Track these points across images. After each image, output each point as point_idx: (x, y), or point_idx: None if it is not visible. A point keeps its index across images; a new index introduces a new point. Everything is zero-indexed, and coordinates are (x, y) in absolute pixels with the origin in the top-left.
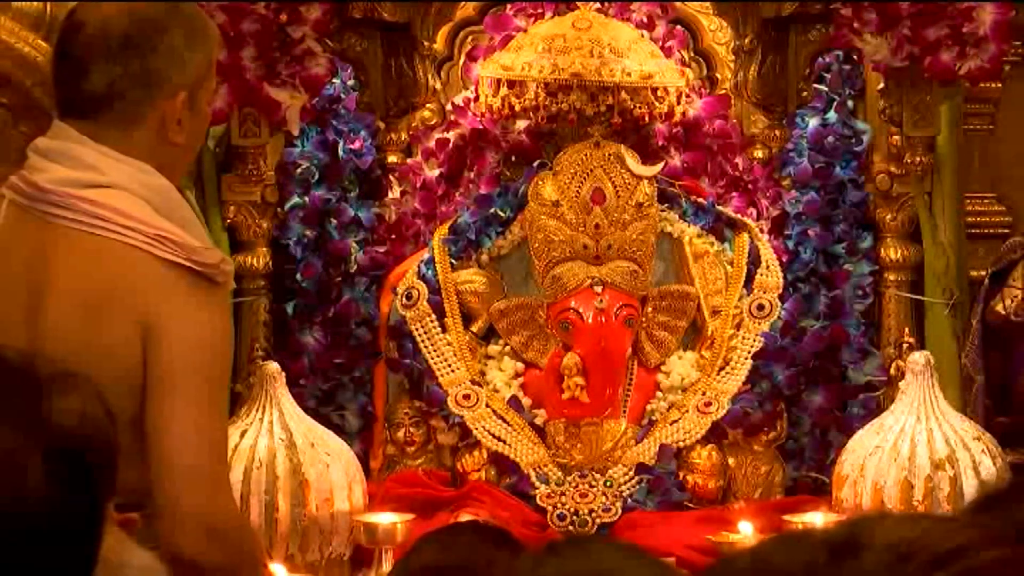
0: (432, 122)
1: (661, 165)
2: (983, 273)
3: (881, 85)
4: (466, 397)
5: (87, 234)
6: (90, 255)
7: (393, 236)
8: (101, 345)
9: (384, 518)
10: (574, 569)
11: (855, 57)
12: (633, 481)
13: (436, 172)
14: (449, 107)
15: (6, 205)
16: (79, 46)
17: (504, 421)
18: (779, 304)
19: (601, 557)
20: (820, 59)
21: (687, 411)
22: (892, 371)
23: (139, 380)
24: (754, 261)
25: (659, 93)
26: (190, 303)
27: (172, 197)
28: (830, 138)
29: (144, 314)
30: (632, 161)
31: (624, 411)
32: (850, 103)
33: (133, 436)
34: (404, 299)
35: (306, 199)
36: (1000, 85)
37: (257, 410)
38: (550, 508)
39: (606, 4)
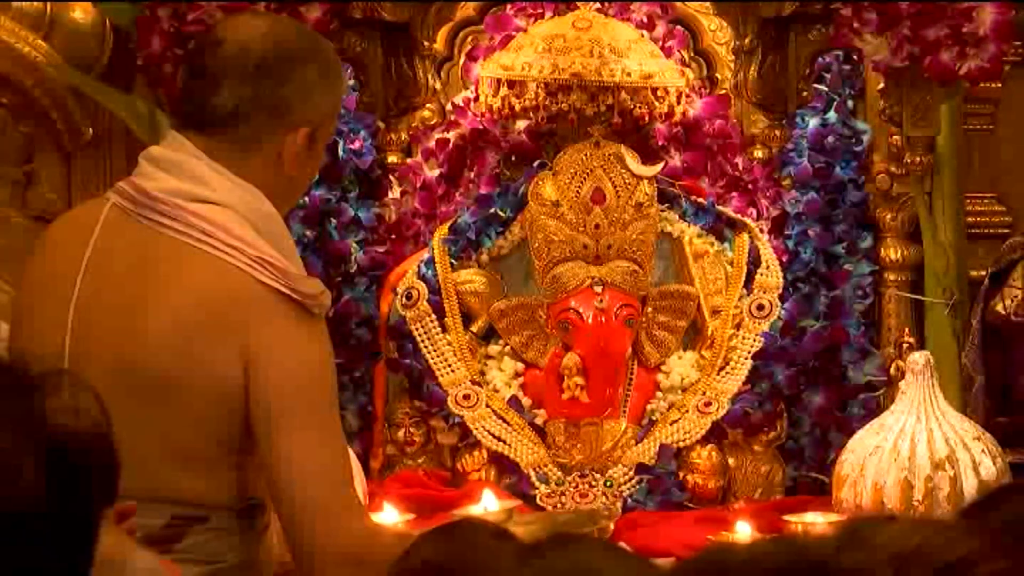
0: (432, 122)
1: (661, 165)
2: (983, 273)
3: (881, 85)
4: (466, 397)
5: (191, 247)
6: (193, 269)
7: (393, 236)
8: (197, 362)
9: (384, 518)
10: (557, 568)
11: (855, 57)
12: (633, 481)
13: (436, 172)
14: (449, 107)
15: (108, 208)
16: (215, 62)
17: (504, 421)
18: (779, 304)
19: (583, 556)
20: (820, 59)
21: (687, 411)
22: (892, 371)
23: (234, 400)
24: (754, 261)
25: (659, 93)
26: (290, 330)
27: (277, 225)
28: (830, 138)
29: (245, 337)
30: (632, 161)
31: (624, 411)
32: (850, 103)
33: (218, 450)
34: (404, 299)
35: (306, 199)
36: (1000, 85)
37: None
38: (550, 508)
39: (606, 4)
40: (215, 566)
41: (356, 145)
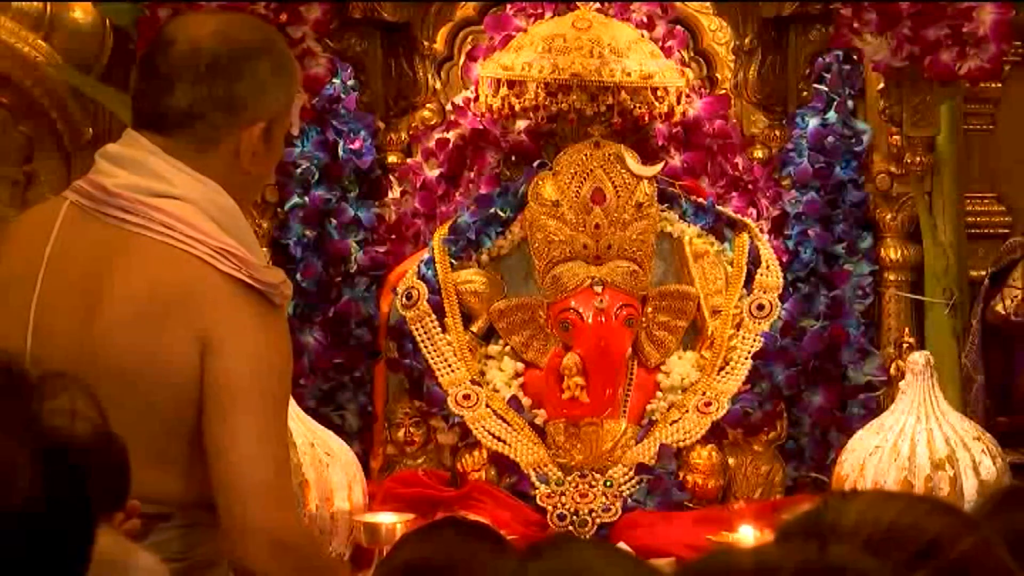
0: (432, 122)
1: (661, 165)
2: (983, 273)
3: (881, 85)
4: (466, 397)
5: (151, 240)
6: (152, 261)
7: (393, 236)
8: (156, 352)
9: (384, 518)
10: (554, 569)
11: (855, 57)
12: (633, 481)
13: (436, 172)
14: (449, 107)
15: (67, 207)
16: (167, 62)
17: (504, 421)
18: (779, 304)
19: (581, 558)
20: (820, 59)
21: (687, 411)
22: (892, 371)
23: (193, 391)
24: (754, 261)
25: (659, 93)
26: (249, 319)
27: (239, 219)
28: (830, 138)
29: (202, 326)
30: (632, 161)
31: (624, 411)
32: (850, 103)
33: (181, 445)
34: (404, 299)
35: (306, 199)
36: (1000, 85)
37: None
38: (550, 508)
39: (606, 4)
40: (182, 563)
41: (356, 145)
